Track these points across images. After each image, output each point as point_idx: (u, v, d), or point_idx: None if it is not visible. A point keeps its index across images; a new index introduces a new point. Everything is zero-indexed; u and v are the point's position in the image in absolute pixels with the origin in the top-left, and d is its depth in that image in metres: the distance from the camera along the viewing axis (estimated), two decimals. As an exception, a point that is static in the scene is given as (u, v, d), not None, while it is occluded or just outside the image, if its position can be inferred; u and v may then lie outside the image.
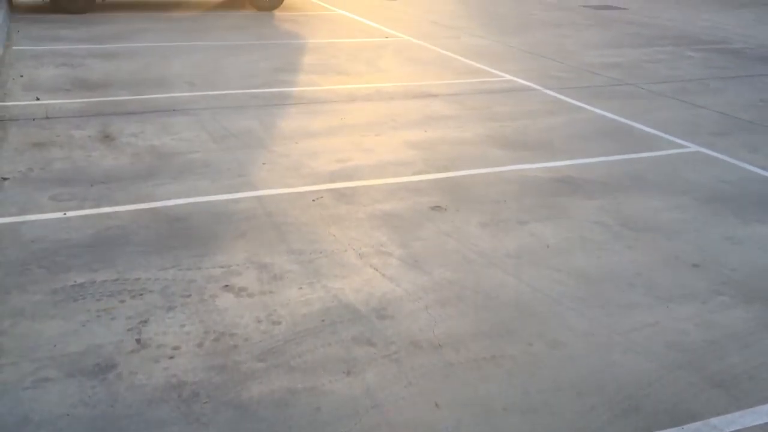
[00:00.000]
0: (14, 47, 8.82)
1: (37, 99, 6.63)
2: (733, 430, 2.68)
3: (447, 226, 4.37)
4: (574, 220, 4.52)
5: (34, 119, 6.11)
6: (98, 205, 4.47)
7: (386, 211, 4.55)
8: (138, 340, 3.12)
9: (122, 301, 3.42)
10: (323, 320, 3.33)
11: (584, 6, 14.32)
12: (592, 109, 7.03)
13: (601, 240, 4.26)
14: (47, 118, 6.16)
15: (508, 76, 8.26)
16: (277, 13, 12.31)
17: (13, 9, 11.49)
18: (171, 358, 3.00)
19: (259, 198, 4.68)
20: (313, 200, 4.68)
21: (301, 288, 3.60)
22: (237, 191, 4.77)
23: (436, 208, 4.64)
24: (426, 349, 3.13)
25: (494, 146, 5.89)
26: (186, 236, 4.12)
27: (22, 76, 7.46)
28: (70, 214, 4.34)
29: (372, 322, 3.32)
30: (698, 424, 2.70)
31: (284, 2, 12.57)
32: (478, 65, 8.78)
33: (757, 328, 3.40)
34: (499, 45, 10.17)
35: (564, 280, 3.77)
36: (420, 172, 5.25)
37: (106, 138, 5.73)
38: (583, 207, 4.73)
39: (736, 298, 3.67)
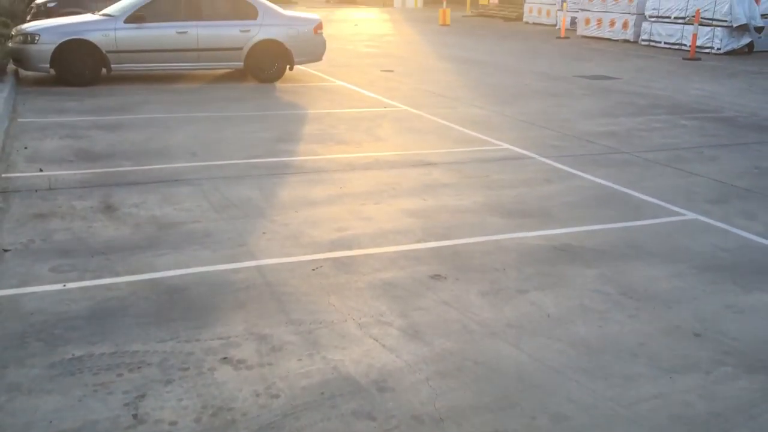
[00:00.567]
0: (20, 119, 8.98)
1: (41, 170, 6.72)
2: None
3: (447, 296, 4.36)
4: (574, 289, 4.52)
5: (36, 190, 6.18)
6: (98, 277, 4.47)
7: (386, 280, 4.56)
8: (135, 416, 3.07)
9: (120, 375, 3.39)
10: (323, 393, 3.29)
11: (578, 76, 14.65)
12: (588, 177, 7.11)
13: (602, 309, 4.25)
14: (50, 189, 6.23)
15: (505, 145, 8.38)
16: (278, 84, 12.58)
17: (20, 82, 11.75)
18: (168, 434, 2.95)
19: (258, 267, 4.69)
20: (313, 269, 4.69)
21: (300, 359, 3.58)
22: (237, 261, 4.78)
23: (435, 277, 4.64)
24: (427, 423, 3.09)
25: (493, 214, 5.93)
26: (185, 307, 4.11)
27: (26, 147, 7.57)
28: (70, 285, 4.34)
29: (372, 395, 3.28)
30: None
31: (285, 74, 12.85)
32: (475, 134, 8.93)
33: (762, 399, 3.36)
34: (496, 114, 10.37)
35: (566, 351, 3.75)
36: (419, 241, 5.27)
37: (108, 208, 5.78)
38: (583, 275, 4.73)
39: (739, 368, 3.64)
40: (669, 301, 4.39)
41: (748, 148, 8.71)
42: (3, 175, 6.53)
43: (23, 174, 6.65)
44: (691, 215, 6.03)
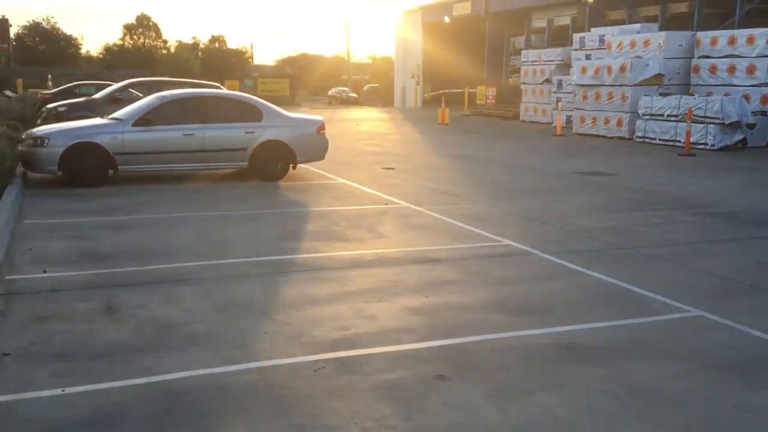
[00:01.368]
0: (26, 221, 9.09)
1: (44, 272, 6.74)
2: None
3: (451, 397, 4.28)
4: (580, 389, 4.44)
5: (39, 292, 6.18)
6: (97, 381, 4.41)
7: (389, 381, 4.48)
8: None
9: (116, 485, 3.29)
10: (325, 503, 3.18)
11: (576, 173, 14.90)
12: (590, 273, 7.12)
13: (610, 410, 4.17)
14: (53, 291, 6.23)
15: (506, 241, 8.43)
16: (281, 183, 12.80)
17: (28, 184, 11.96)
18: None
19: (260, 369, 4.63)
20: (315, 370, 4.62)
21: (302, 467, 3.48)
22: (238, 363, 4.72)
23: (439, 377, 4.57)
24: None
25: (496, 312, 5.90)
26: (185, 412, 4.03)
27: (31, 249, 7.62)
28: (69, 390, 4.27)
29: (376, 505, 3.17)
30: None
31: (288, 172, 13.10)
32: (476, 230, 9.00)
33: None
34: (496, 210, 10.48)
35: (574, 455, 3.64)
36: (423, 340, 5.23)
37: (110, 310, 5.76)
38: (589, 375, 4.66)
39: (754, 472, 3.53)
40: (678, 402, 4.30)
41: (749, 243, 8.75)
42: (7, 278, 6.55)
43: (27, 276, 6.67)
44: (695, 312, 6.00)
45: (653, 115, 21.27)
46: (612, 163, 16.76)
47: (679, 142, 19.67)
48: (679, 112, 20.19)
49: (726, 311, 6.00)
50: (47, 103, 20.68)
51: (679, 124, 20.01)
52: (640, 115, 21.79)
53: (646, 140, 21.38)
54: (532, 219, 9.87)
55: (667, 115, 20.72)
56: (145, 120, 12.13)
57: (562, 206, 10.93)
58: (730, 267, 7.46)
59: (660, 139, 20.87)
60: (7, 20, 57.33)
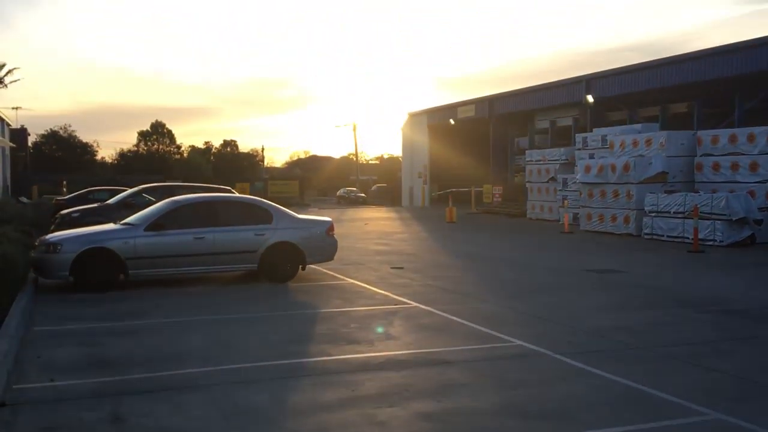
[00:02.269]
0: (36, 328, 9.08)
1: (52, 380, 6.67)
2: None
3: None
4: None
5: (46, 402, 6.10)
6: (102, 495, 4.29)
7: (402, 494, 4.34)
8: None
9: None
10: None
11: (585, 270, 14.86)
12: (605, 374, 6.98)
13: None
14: (59, 400, 6.15)
15: (518, 341, 8.33)
16: (291, 284, 12.80)
17: (39, 289, 12.01)
18: None
19: (269, 482, 4.50)
20: (326, 483, 4.49)
21: None
22: (247, 475, 4.59)
23: (454, 488, 4.42)
24: None
25: (512, 417, 5.76)
26: None
27: (39, 357, 7.58)
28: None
29: None
30: None
31: (297, 274, 13.13)
32: (487, 330, 8.90)
33: None
34: (507, 310, 10.41)
35: None
36: (435, 448, 5.08)
37: (117, 420, 5.66)
38: (609, 484, 4.50)
39: None
40: None
41: (765, 341, 8.60)
42: (15, 387, 6.48)
43: (34, 385, 6.60)
44: (714, 415, 5.83)
45: (660, 212, 21.41)
46: (621, 260, 16.74)
47: (688, 238, 19.69)
48: (685, 209, 20.33)
49: (746, 413, 5.83)
50: (61, 209, 21.05)
51: (686, 220, 20.10)
52: (647, 212, 21.94)
53: (655, 237, 21.42)
54: (543, 318, 9.78)
55: (674, 212, 20.85)
56: (157, 225, 12.30)
57: (573, 305, 10.85)
58: (748, 367, 7.30)
59: (668, 236, 20.91)
60: (25, 129, 59.26)
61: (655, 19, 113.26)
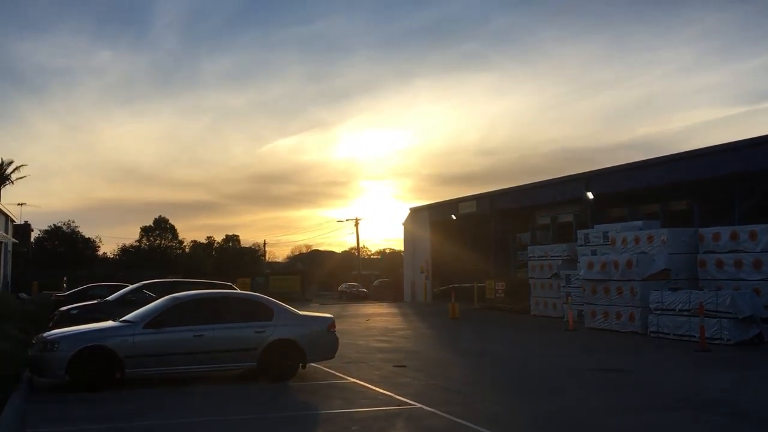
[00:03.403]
0: (28, 430, 8.80)
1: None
2: None
3: None
4: None
5: None
6: None
7: None
8: None
9: None
10: None
11: (592, 370, 14.55)
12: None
13: None
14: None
15: (525, 447, 8.04)
16: (291, 383, 12.51)
17: (33, 388, 11.74)
18: None
19: None
20: None
21: None
22: None
23: None
24: None
25: None
26: None
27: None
28: None
29: None
30: None
31: (298, 372, 12.86)
32: (493, 435, 8.61)
33: None
34: (512, 411, 10.11)
35: None
36: None
37: None
38: None
39: None
40: None
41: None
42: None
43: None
44: None
45: (665, 309, 21.18)
46: (628, 359, 16.42)
47: (694, 337, 19.38)
48: (690, 306, 20.12)
49: None
50: (61, 306, 20.91)
51: (692, 318, 19.86)
52: (652, 309, 21.70)
53: (661, 335, 21.08)
54: (550, 421, 9.49)
55: (679, 310, 20.62)
56: (156, 322, 12.16)
57: (581, 406, 10.55)
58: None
59: (674, 334, 20.58)
60: (29, 225, 59.73)
61: (652, 118, 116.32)
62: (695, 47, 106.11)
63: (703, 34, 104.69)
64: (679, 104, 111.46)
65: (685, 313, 20.38)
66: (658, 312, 21.44)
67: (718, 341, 19.18)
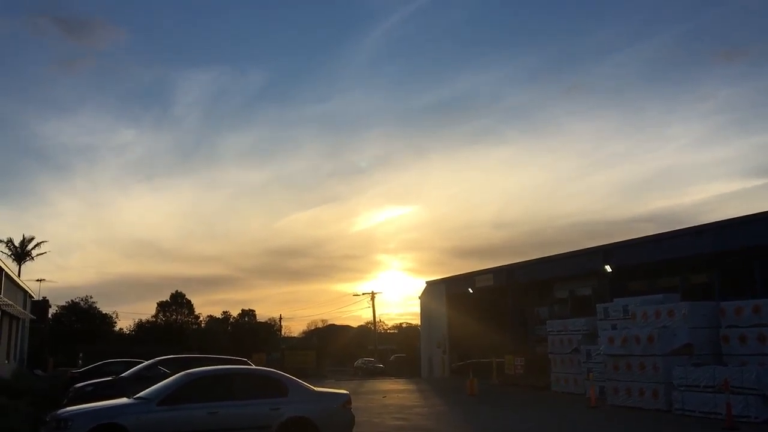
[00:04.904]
0: None
1: None
2: None
3: None
4: None
5: None
6: None
7: None
8: None
9: None
10: None
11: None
12: None
13: None
14: None
15: None
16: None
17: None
18: None
19: None
20: None
21: None
22: None
23: None
24: None
25: None
26: None
27: None
28: None
29: None
30: None
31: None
32: None
33: None
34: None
35: None
36: None
37: None
38: None
39: None
40: None
41: None
42: None
43: None
44: None
45: (689, 386, 20.62)
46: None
47: (720, 414, 18.78)
48: (715, 382, 19.59)
49: None
50: (75, 382, 20.78)
51: (717, 395, 19.30)
52: (676, 386, 21.15)
53: (686, 413, 20.46)
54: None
55: (704, 387, 20.08)
56: (170, 399, 12.04)
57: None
58: None
59: (700, 411, 19.96)
60: (47, 301, 60.02)
61: (668, 190, 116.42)
62: (709, 121, 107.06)
63: (717, 108, 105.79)
64: (694, 177, 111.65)
65: (710, 389, 19.83)
66: (682, 388, 20.88)
67: (745, 419, 18.57)
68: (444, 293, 49.86)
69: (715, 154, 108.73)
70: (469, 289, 45.95)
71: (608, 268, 32.85)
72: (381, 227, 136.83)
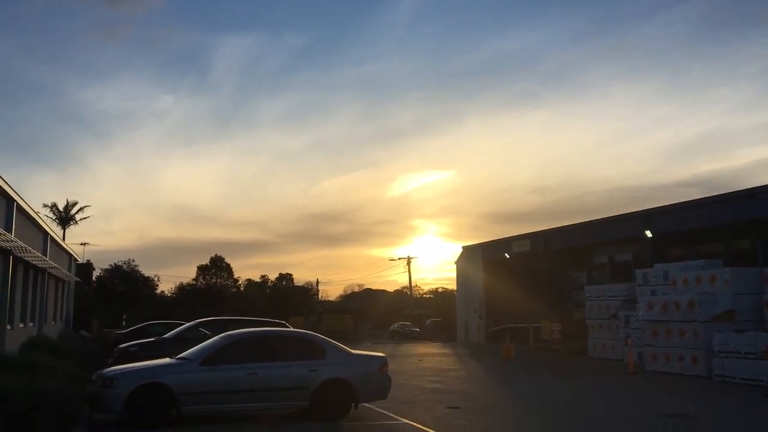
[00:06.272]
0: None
1: None
2: None
3: None
4: None
5: None
6: None
7: None
8: None
9: None
10: None
11: (655, 416, 14.00)
12: None
13: None
14: None
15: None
16: (342, 423, 12.40)
17: (92, 425, 11.94)
18: None
19: None
20: None
21: None
22: None
23: None
24: None
25: None
26: None
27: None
28: None
29: None
30: None
31: (349, 412, 12.74)
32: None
33: None
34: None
35: None
36: None
37: None
38: None
39: None
40: None
41: None
42: None
43: None
44: None
45: (729, 352, 20.35)
46: (693, 406, 15.77)
47: (762, 381, 18.52)
48: (757, 349, 19.29)
49: None
50: (119, 343, 21.34)
51: (759, 362, 19.01)
52: (716, 352, 20.88)
53: (726, 379, 20.23)
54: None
55: (745, 353, 19.79)
56: (211, 359, 12.28)
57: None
58: None
59: (741, 378, 19.72)
60: (91, 264, 61.51)
61: (712, 155, 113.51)
62: (756, 83, 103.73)
63: (764, 69, 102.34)
64: (739, 141, 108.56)
65: (752, 356, 19.54)
66: (722, 355, 20.62)
67: (789, 386, 18.27)
68: (480, 258, 49.73)
69: (761, 116, 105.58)
70: (506, 255, 45.74)
71: (649, 234, 32.32)
72: (417, 192, 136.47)
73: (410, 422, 12.65)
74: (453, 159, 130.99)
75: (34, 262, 23.82)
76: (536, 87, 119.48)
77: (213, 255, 78.44)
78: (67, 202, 71.86)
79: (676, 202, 32.72)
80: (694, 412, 14.30)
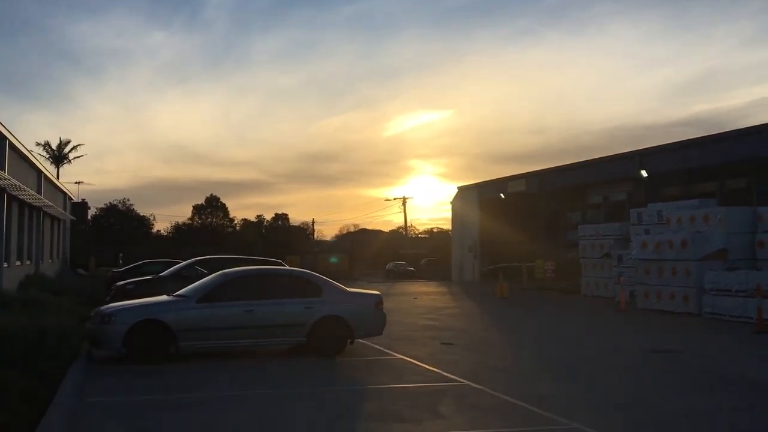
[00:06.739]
0: (88, 399, 9.12)
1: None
2: None
3: None
4: None
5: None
6: None
7: None
8: None
9: None
10: None
11: (644, 351, 14.28)
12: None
13: None
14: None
15: (574, 424, 7.95)
16: (338, 358, 12.63)
17: (91, 361, 12.14)
18: None
19: None
20: None
21: None
22: None
23: None
24: None
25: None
26: None
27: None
28: None
29: None
30: None
31: (345, 348, 12.96)
32: (541, 412, 8.53)
33: None
34: (561, 391, 10.00)
35: None
36: None
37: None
38: None
39: None
40: None
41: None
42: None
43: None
44: None
45: (720, 290, 20.62)
46: (681, 341, 16.07)
47: (751, 318, 18.83)
48: (748, 287, 19.54)
49: None
50: (116, 281, 21.49)
51: (749, 299, 19.29)
52: (707, 290, 21.16)
53: (716, 316, 20.57)
54: (600, 402, 9.36)
55: (735, 291, 20.06)
56: (208, 297, 12.41)
57: (631, 388, 10.37)
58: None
59: (730, 315, 20.04)
60: (86, 203, 61.44)
61: (710, 94, 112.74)
62: (757, 21, 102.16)
63: (765, 7, 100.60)
64: (738, 80, 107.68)
65: (742, 294, 19.81)
66: (713, 293, 20.90)
67: (776, 323, 18.60)
68: (476, 198, 49.80)
69: (760, 55, 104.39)
70: (501, 195, 45.80)
71: (644, 173, 32.32)
72: (413, 132, 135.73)
73: (405, 357, 12.89)
74: (450, 98, 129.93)
75: (28, 201, 23.79)
76: (535, 25, 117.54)
77: (208, 194, 78.52)
78: (60, 141, 71.42)
79: (673, 141, 32.64)
80: (683, 348, 14.58)
